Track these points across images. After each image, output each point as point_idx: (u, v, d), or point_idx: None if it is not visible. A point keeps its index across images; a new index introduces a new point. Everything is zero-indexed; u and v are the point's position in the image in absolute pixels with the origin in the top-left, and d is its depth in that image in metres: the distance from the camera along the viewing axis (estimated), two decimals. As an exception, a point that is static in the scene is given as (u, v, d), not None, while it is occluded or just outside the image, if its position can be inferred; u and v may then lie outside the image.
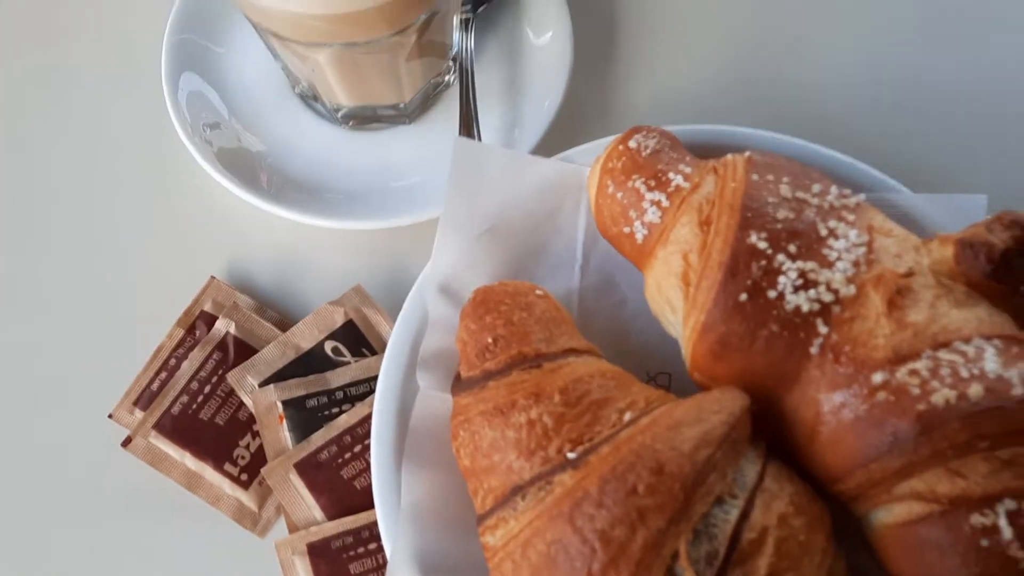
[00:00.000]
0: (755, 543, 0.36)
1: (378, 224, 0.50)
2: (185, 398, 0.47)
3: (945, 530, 0.36)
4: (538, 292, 0.44)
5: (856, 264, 0.40)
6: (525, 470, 0.39)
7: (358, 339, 0.49)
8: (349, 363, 0.48)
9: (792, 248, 0.40)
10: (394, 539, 0.42)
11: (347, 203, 0.51)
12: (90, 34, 0.60)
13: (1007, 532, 0.35)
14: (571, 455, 0.38)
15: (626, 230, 0.45)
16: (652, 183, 0.44)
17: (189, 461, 0.46)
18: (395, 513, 0.43)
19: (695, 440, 0.37)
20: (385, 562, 0.44)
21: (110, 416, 0.48)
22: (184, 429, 0.47)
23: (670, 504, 0.36)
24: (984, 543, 0.36)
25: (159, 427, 0.47)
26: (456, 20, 0.54)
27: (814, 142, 0.50)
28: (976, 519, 0.36)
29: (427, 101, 0.55)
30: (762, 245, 0.40)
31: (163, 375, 0.48)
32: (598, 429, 0.39)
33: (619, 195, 0.45)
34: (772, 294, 0.39)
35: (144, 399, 0.48)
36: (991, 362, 0.37)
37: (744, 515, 0.37)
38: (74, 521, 0.46)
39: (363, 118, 0.54)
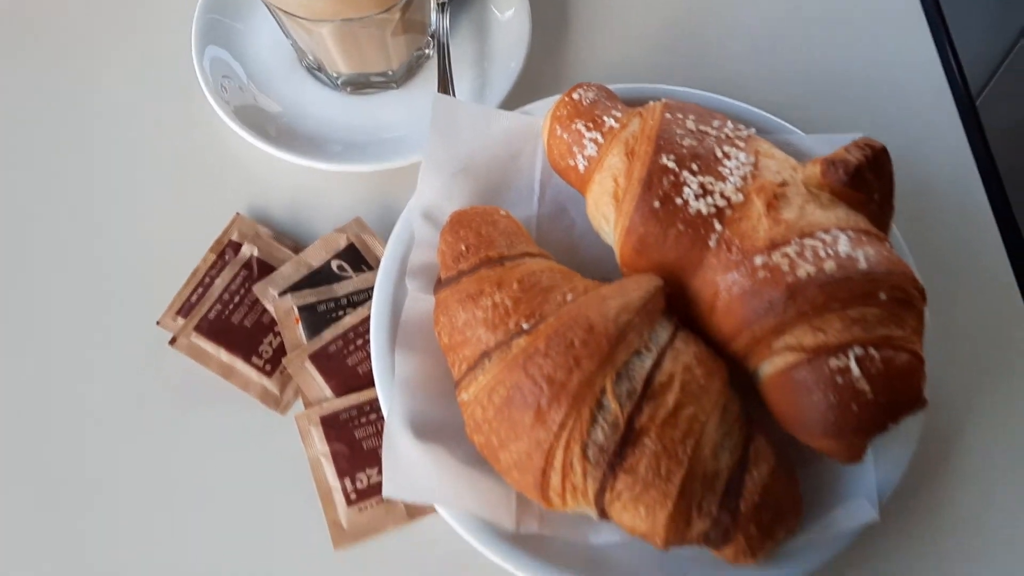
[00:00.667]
0: (665, 384, 0.47)
1: (372, 167, 0.61)
2: (219, 306, 0.58)
3: (810, 372, 0.48)
4: (502, 212, 0.56)
5: (744, 178, 0.51)
6: (491, 339, 0.50)
7: (358, 258, 0.60)
8: (351, 277, 0.59)
9: (694, 167, 0.51)
10: (389, 405, 0.53)
11: (346, 152, 0.62)
12: (129, 13, 0.72)
13: (856, 371, 0.47)
14: (525, 326, 0.49)
15: (571, 163, 0.56)
16: (590, 125, 0.56)
17: (223, 355, 0.57)
18: (390, 386, 0.54)
19: (618, 308, 0.49)
20: (383, 428, 0.55)
21: (157, 323, 0.59)
22: (219, 330, 0.58)
23: (598, 353, 0.47)
24: (839, 380, 0.47)
25: (198, 329, 0.58)
26: (433, 3, 0.66)
27: (727, 96, 0.62)
28: (833, 362, 0.47)
29: (411, 70, 0.67)
30: (671, 165, 0.51)
31: (200, 290, 0.59)
32: (546, 307, 0.50)
33: (565, 136, 0.57)
34: (679, 201, 0.51)
35: (185, 309, 0.59)
36: (844, 246, 0.49)
37: (657, 364, 0.48)
38: (132, 408, 0.57)
39: (358, 84, 0.66)
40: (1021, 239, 0.64)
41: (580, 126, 0.56)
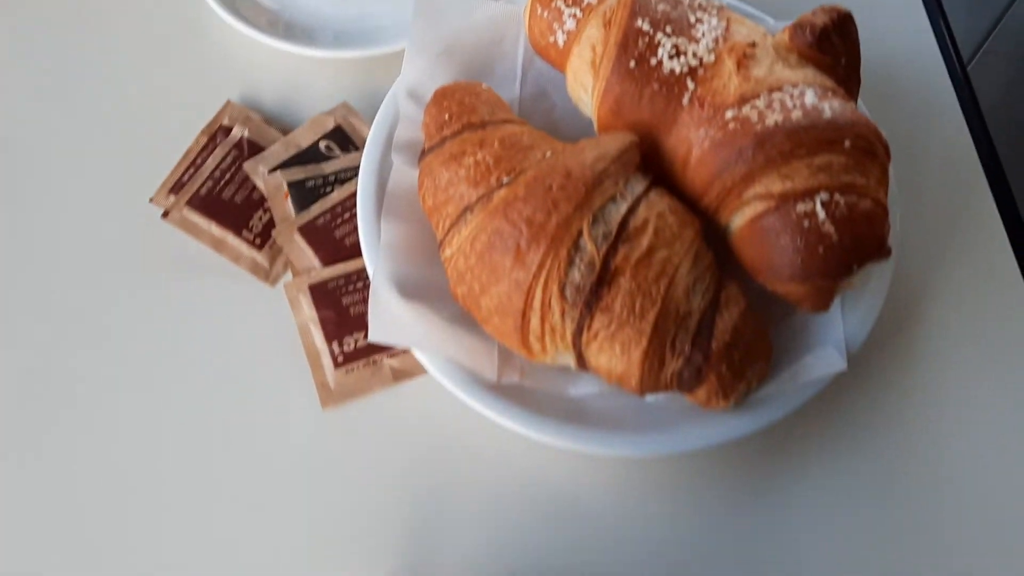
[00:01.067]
0: (639, 228, 0.49)
1: (359, 53, 0.63)
2: (210, 183, 0.60)
3: (778, 218, 0.50)
4: (484, 86, 0.58)
5: (716, 40, 0.53)
6: (473, 195, 0.52)
7: (345, 139, 0.62)
8: (339, 157, 0.61)
9: (668, 29, 0.53)
10: (375, 267, 0.55)
11: (335, 40, 0.64)
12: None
13: (821, 214, 0.49)
14: (506, 179, 0.51)
15: (551, 39, 0.58)
16: (569, 1, 0.58)
17: (215, 229, 0.59)
18: (376, 249, 0.55)
19: (595, 156, 0.50)
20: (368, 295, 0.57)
21: (151, 200, 0.60)
22: (210, 205, 0.59)
23: (575, 196, 0.49)
24: (806, 224, 0.49)
25: (190, 203, 0.59)
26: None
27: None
28: (800, 207, 0.49)
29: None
30: (646, 27, 0.53)
31: (191, 170, 0.61)
32: (527, 163, 0.52)
33: (545, 15, 0.58)
34: (653, 61, 0.53)
35: (177, 187, 0.61)
36: (810, 98, 0.51)
37: (631, 210, 0.50)
38: (126, 280, 0.59)
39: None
40: (980, 111, 0.66)
41: (559, 3, 0.58)
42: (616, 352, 0.49)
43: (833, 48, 0.53)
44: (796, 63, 0.53)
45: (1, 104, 0.65)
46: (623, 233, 0.49)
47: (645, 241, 0.49)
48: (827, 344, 0.53)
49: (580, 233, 0.49)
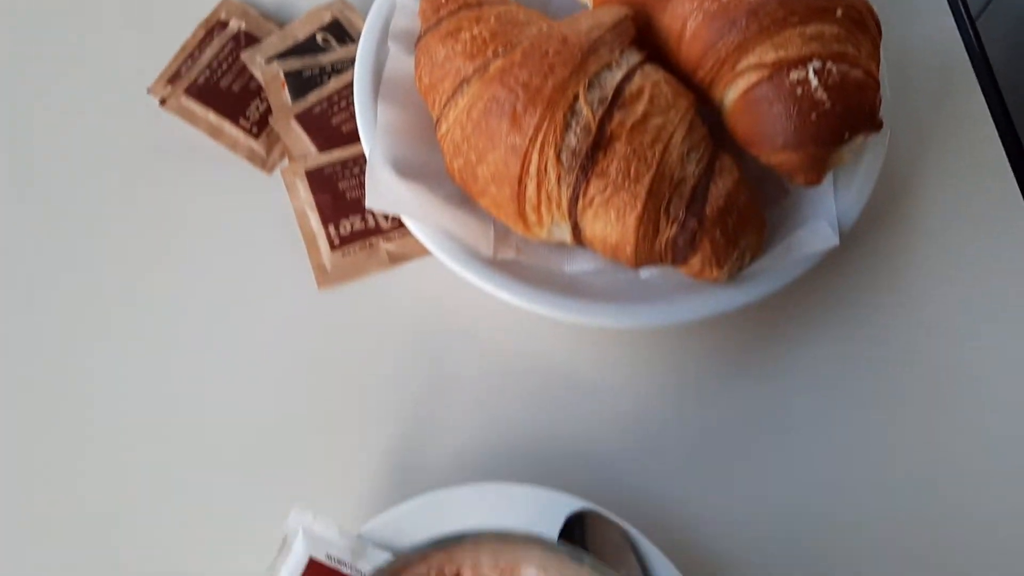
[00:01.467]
0: (635, 95, 0.50)
1: None
2: (208, 72, 0.60)
3: (771, 87, 0.50)
4: (480, -27, 0.58)
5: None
6: (469, 67, 0.52)
7: (342, 32, 0.62)
8: (335, 49, 0.62)
9: (664, -93, 0.54)
10: (371, 147, 0.55)
11: (331, -62, 0.65)
12: None
13: (814, 81, 0.50)
14: (502, 51, 0.52)
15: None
16: None
17: (212, 117, 0.59)
18: (373, 131, 0.56)
19: (590, 25, 0.51)
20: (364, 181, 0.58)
21: (148, 91, 0.61)
22: (208, 93, 0.60)
23: (571, 61, 0.49)
24: (798, 91, 0.50)
25: (188, 91, 0.60)
26: None
27: None
28: (792, 75, 0.50)
29: None
30: (642, -94, 0.54)
31: (188, 62, 0.61)
32: (523, 36, 0.52)
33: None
34: (649, -57, 0.53)
35: (175, 78, 0.61)
36: (803, -28, 0.51)
37: (627, 78, 0.50)
38: (127, 168, 0.59)
39: None
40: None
41: None
42: (611, 219, 0.50)
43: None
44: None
45: None
46: (619, 99, 0.49)
47: (640, 108, 0.49)
48: (820, 218, 0.54)
49: (576, 97, 0.49)
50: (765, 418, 0.54)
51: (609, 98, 0.49)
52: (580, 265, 0.54)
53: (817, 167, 0.51)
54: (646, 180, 0.49)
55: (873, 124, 0.51)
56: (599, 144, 0.49)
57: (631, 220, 0.49)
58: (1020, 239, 0.59)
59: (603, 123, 0.49)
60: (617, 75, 0.50)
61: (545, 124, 0.48)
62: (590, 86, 0.49)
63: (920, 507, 0.52)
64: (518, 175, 0.50)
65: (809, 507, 0.52)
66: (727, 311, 0.52)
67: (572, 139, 0.49)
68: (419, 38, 0.56)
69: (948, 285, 0.57)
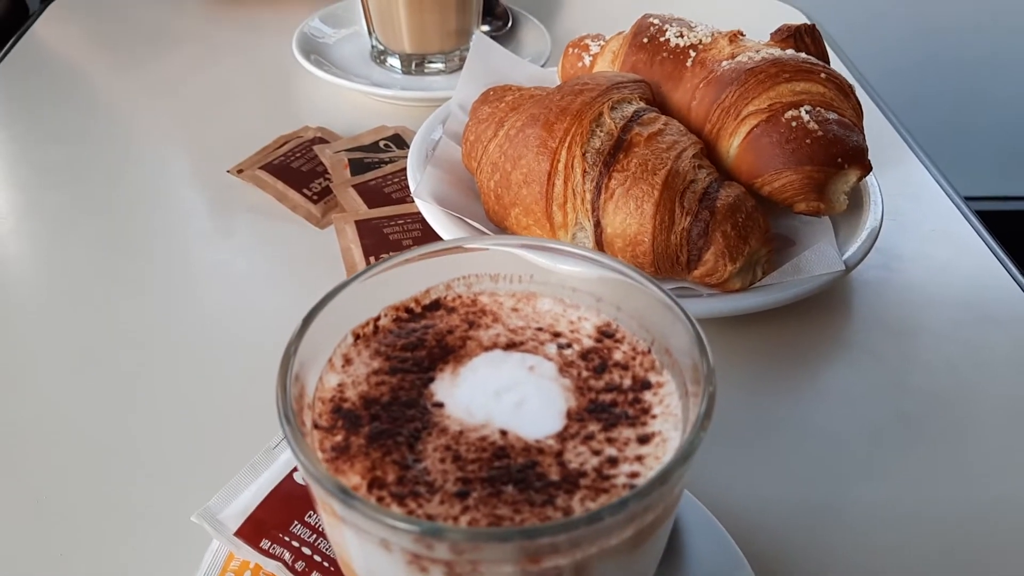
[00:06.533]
0: (651, 119, 0.58)
1: (415, 95, 0.78)
2: (282, 158, 0.70)
3: (770, 126, 0.58)
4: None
5: (711, 33, 0.66)
6: (510, 115, 0.61)
7: (401, 142, 0.73)
8: (394, 150, 0.72)
9: (674, 24, 0.66)
10: (417, 182, 0.62)
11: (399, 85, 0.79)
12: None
13: (806, 117, 0.58)
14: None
15: (579, 64, 0.71)
16: (594, 36, 0.72)
17: (279, 185, 0.67)
18: (420, 172, 0.63)
19: (613, 73, 0.61)
20: (409, 228, 0.63)
21: (228, 171, 0.70)
22: (279, 169, 0.69)
23: (597, 88, 0.58)
24: (793, 124, 0.58)
25: (263, 168, 0.69)
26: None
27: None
28: (788, 113, 0.58)
29: (460, 62, 0.85)
30: (656, 22, 0.66)
31: (266, 152, 0.71)
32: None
33: (574, 51, 0.72)
34: (662, 39, 0.65)
35: (253, 163, 0.70)
36: (790, 54, 0.62)
37: (644, 110, 0.59)
38: (205, 223, 0.67)
39: (417, 64, 0.84)
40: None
41: (587, 40, 0.72)
42: (631, 208, 0.55)
43: (805, 46, 0.66)
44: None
45: (133, 102, 0.80)
46: (638, 120, 0.58)
47: (657, 127, 0.57)
48: (828, 245, 0.58)
49: (601, 113, 0.57)
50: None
51: (629, 116, 0.57)
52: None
53: (817, 189, 0.57)
54: (662, 173, 0.55)
55: (863, 162, 0.58)
56: (620, 146, 0.56)
57: (648, 207, 0.54)
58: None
59: (624, 131, 0.56)
60: (636, 106, 0.59)
61: (573, 128, 0.56)
62: (612, 108, 0.58)
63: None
64: (548, 171, 0.56)
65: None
66: (739, 312, 0.55)
67: (596, 142, 0.56)
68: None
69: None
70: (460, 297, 0.40)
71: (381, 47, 0.85)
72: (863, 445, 0.52)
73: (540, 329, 0.38)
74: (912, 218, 0.70)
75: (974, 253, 0.67)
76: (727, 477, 0.49)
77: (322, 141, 0.73)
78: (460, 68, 0.77)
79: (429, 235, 0.62)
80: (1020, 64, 1.76)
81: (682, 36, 0.65)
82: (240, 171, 0.69)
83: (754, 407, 0.54)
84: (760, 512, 0.47)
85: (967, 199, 0.73)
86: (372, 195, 0.66)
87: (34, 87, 0.84)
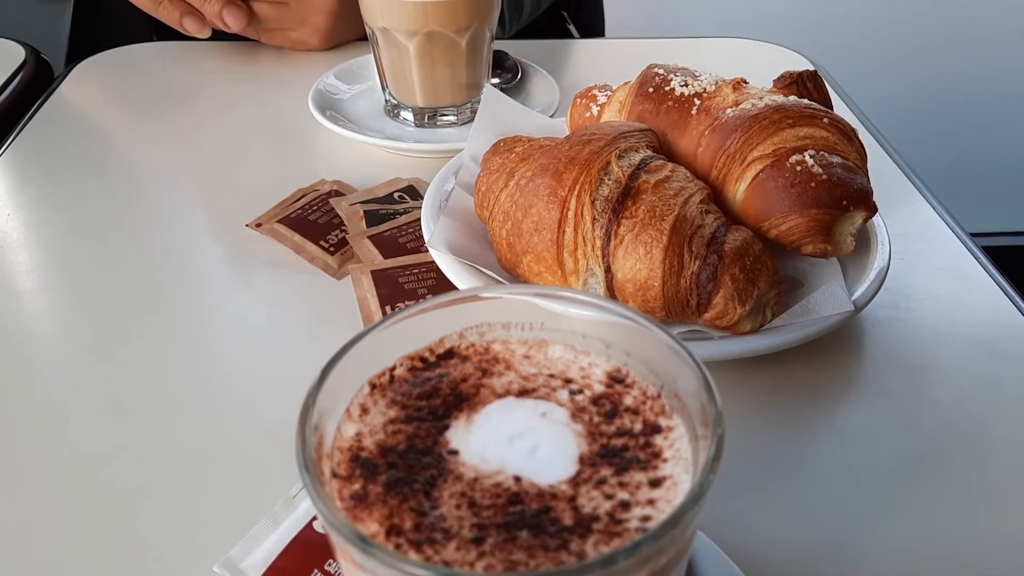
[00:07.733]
0: (658, 167, 0.60)
1: (428, 147, 0.79)
2: (299, 211, 0.72)
3: (775, 170, 0.60)
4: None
5: (715, 82, 0.67)
6: (520, 165, 0.63)
7: (415, 194, 0.74)
8: (408, 201, 0.73)
9: (679, 73, 0.68)
10: (431, 231, 0.64)
11: (412, 137, 0.81)
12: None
13: (811, 162, 0.59)
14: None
15: (587, 115, 0.73)
16: (601, 87, 0.74)
17: (297, 238, 0.69)
18: (433, 222, 0.65)
19: (620, 123, 0.62)
20: (424, 277, 0.65)
21: (246, 225, 0.72)
22: (296, 222, 0.70)
23: (605, 138, 0.60)
24: (798, 168, 0.59)
25: (280, 221, 0.70)
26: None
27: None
28: (793, 158, 0.59)
29: (471, 114, 0.87)
30: (661, 72, 0.68)
31: (283, 206, 0.73)
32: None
33: (582, 101, 0.74)
34: (667, 88, 0.67)
35: (271, 217, 0.72)
36: (793, 99, 0.63)
37: (651, 158, 0.60)
38: (224, 274, 0.68)
39: (429, 117, 0.86)
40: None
41: (595, 91, 0.74)
42: (640, 254, 0.56)
43: (808, 92, 0.67)
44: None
45: (154, 159, 0.83)
46: (645, 167, 0.59)
47: (664, 174, 0.59)
48: (836, 287, 0.59)
49: (609, 162, 0.59)
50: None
51: (636, 165, 0.59)
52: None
53: (823, 231, 0.58)
54: (670, 219, 0.56)
55: (868, 204, 0.59)
56: (628, 193, 0.57)
57: (657, 252, 0.55)
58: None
59: (632, 178, 0.58)
60: (643, 154, 0.60)
61: (582, 177, 0.57)
62: (620, 157, 0.59)
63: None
64: (558, 220, 0.57)
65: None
66: (750, 353, 0.56)
67: (605, 189, 0.57)
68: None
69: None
70: (473, 345, 0.41)
71: (394, 101, 0.87)
72: (877, 484, 0.52)
73: (552, 375, 0.39)
74: (920, 257, 0.70)
75: (983, 289, 0.67)
76: (742, 518, 0.49)
77: (338, 194, 0.74)
78: (471, 120, 0.79)
79: (443, 283, 0.64)
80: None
81: (687, 85, 0.67)
82: (259, 225, 0.71)
83: (768, 448, 0.55)
84: (775, 552, 0.47)
85: (973, 235, 0.74)
86: (387, 245, 0.68)
87: (58, 147, 0.87)
